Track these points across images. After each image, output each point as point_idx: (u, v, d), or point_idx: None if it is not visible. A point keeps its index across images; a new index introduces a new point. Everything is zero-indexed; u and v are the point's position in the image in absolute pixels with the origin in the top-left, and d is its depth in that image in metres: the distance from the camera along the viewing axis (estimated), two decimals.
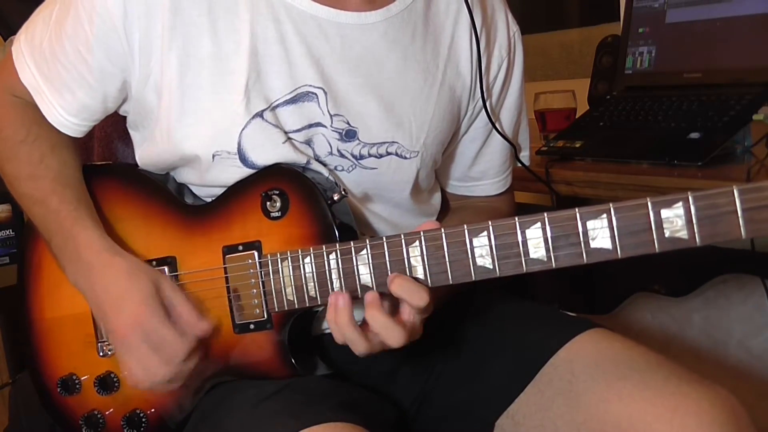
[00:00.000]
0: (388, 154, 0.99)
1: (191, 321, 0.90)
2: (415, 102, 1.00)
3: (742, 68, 1.38)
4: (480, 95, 1.05)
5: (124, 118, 1.07)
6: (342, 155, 0.98)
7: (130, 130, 1.07)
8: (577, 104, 1.69)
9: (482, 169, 1.14)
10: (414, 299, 0.83)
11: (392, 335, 0.84)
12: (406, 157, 1.00)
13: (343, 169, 0.99)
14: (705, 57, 1.44)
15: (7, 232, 1.87)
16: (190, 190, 1.04)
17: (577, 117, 1.61)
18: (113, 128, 1.25)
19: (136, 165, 1.05)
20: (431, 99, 1.01)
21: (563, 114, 1.66)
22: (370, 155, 0.98)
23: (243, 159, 0.95)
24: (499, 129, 1.11)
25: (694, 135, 1.28)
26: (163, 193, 1.01)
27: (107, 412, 1.02)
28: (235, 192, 0.97)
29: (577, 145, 1.41)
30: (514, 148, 1.15)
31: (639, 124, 1.42)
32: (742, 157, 1.27)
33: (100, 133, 1.27)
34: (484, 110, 1.06)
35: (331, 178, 0.98)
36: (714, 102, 1.34)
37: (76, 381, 1.02)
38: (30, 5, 1.10)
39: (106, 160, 1.26)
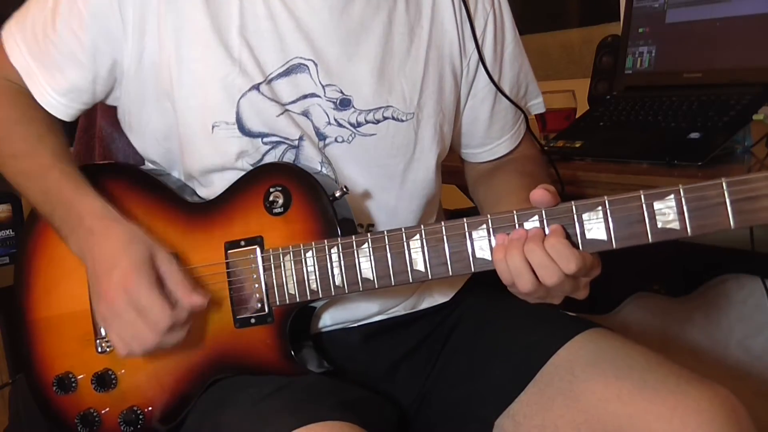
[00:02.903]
0: (385, 118, 1.00)
1: (184, 293, 0.90)
2: (403, 64, 1.01)
3: (742, 68, 1.38)
4: (472, 49, 1.06)
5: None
6: (340, 125, 0.99)
7: (128, 134, 1.08)
8: (577, 104, 1.69)
9: (500, 127, 1.15)
10: (562, 264, 0.79)
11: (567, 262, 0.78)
12: (402, 120, 1.01)
13: (343, 140, 0.99)
14: (705, 57, 1.44)
15: (7, 232, 1.87)
16: (192, 189, 1.04)
17: (577, 117, 1.61)
18: (114, 128, 1.25)
19: (138, 165, 1.06)
20: (419, 59, 1.02)
21: (563, 114, 1.66)
22: (367, 122, 1.00)
23: (241, 128, 0.96)
24: (503, 84, 1.11)
25: (694, 135, 1.28)
26: (165, 191, 1.02)
27: (103, 411, 1.02)
28: (237, 188, 0.97)
29: (577, 145, 1.41)
30: (521, 110, 1.15)
31: (639, 124, 1.42)
32: (742, 157, 1.27)
33: (101, 133, 1.27)
34: (481, 66, 1.07)
35: (331, 175, 0.99)
36: (714, 102, 1.34)
37: (72, 379, 1.02)
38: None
39: (107, 160, 1.26)
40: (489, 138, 1.15)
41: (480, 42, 1.07)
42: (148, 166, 1.09)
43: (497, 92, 1.11)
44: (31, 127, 1.01)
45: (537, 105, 1.20)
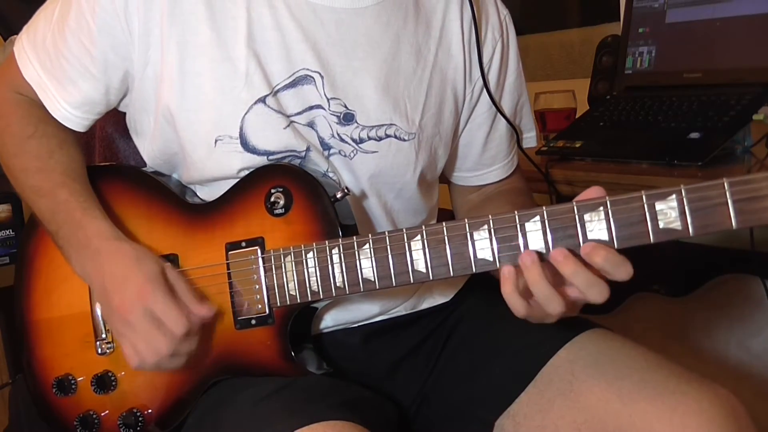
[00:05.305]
0: (387, 136, 1.00)
1: (193, 304, 0.91)
2: (408, 84, 1.01)
3: (742, 68, 1.38)
4: (477, 76, 1.06)
5: (125, 117, 1.08)
6: (342, 140, 0.99)
7: (134, 139, 1.08)
8: (577, 104, 1.69)
9: (493, 154, 1.15)
10: (619, 273, 0.77)
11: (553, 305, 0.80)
12: (404, 140, 1.01)
13: (345, 155, 0.99)
14: (705, 57, 1.44)
15: (7, 232, 1.87)
16: (193, 191, 1.04)
17: (577, 117, 1.61)
18: (114, 128, 1.25)
19: (139, 166, 1.06)
20: (424, 81, 1.02)
21: (563, 114, 1.67)
22: (369, 138, 0.99)
23: (244, 144, 0.95)
24: (501, 110, 1.11)
25: (694, 135, 1.28)
26: (166, 192, 1.02)
27: (102, 413, 1.01)
28: (238, 190, 0.97)
29: (577, 145, 1.41)
30: (515, 131, 1.15)
31: (639, 124, 1.42)
32: (742, 157, 1.27)
33: (101, 133, 1.27)
34: (485, 91, 1.07)
35: (333, 177, 0.99)
36: (714, 102, 1.34)
37: (72, 381, 1.02)
38: (30, 5, 1.10)
39: (107, 160, 1.26)
40: (481, 164, 1.15)
41: (486, 70, 1.08)
42: (150, 169, 1.09)
43: (494, 119, 1.11)
44: (42, 142, 1.01)
45: (529, 138, 1.20)
